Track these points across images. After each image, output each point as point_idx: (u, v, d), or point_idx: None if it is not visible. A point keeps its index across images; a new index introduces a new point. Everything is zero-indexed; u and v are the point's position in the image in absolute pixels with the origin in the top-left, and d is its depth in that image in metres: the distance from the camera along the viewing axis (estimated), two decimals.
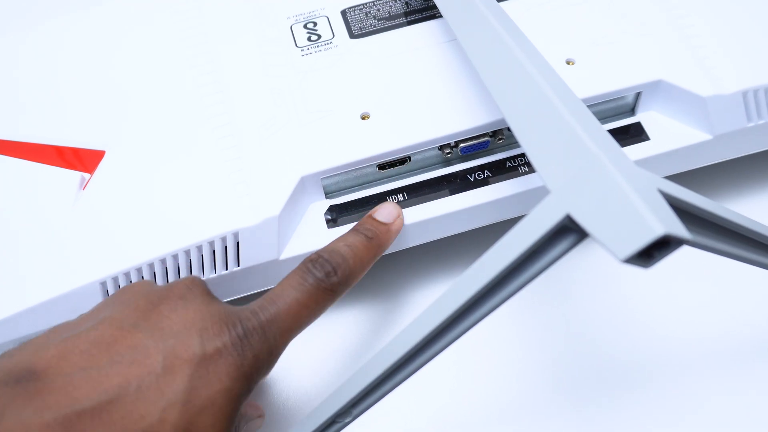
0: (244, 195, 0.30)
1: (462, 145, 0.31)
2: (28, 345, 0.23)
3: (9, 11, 0.39)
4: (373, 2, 0.34)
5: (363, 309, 0.34)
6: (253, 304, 0.25)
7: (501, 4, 0.33)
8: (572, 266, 0.34)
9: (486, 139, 0.31)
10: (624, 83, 0.31)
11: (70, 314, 0.29)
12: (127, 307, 0.24)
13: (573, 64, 0.31)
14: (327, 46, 0.33)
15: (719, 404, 0.30)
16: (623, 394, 0.31)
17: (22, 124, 0.33)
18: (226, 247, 0.29)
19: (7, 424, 0.20)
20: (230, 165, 0.30)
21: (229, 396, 0.23)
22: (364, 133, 0.30)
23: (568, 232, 0.20)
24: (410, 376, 0.24)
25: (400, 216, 0.29)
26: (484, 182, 0.31)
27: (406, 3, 0.34)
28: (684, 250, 0.20)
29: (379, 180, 0.31)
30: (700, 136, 0.31)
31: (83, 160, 0.32)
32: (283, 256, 0.30)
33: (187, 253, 0.29)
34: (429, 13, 0.34)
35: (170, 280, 0.30)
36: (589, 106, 0.31)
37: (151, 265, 0.29)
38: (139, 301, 0.24)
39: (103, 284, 0.29)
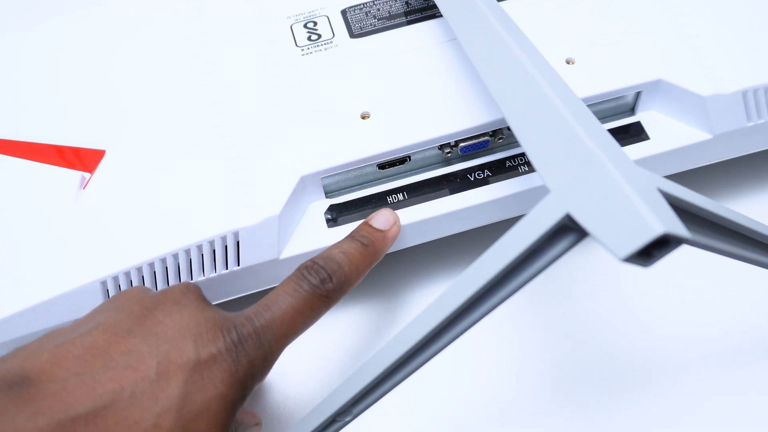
0: (244, 194, 0.30)
1: (462, 144, 0.31)
2: (21, 351, 0.23)
3: (9, 11, 0.40)
4: (373, 2, 0.34)
5: (363, 308, 0.34)
6: (248, 310, 0.25)
7: (501, 3, 0.33)
8: (572, 265, 0.34)
9: (486, 138, 0.31)
10: (624, 83, 0.31)
11: (70, 314, 0.29)
12: (121, 312, 0.24)
13: (573, 63, 0.31)
14: (327, 46, 0.33)
15: (719, 404, 0.30)
16: (623, 393, 0.31)
17: (23, 123, 0.33)
18: (226, 246, 0.29)
19: (1, 429, 0.20)
20: (230, 164, 0.30)
21: (224, 402, 0.22)
22: (364, 133, 0.30)
23: (567, 231, 0.20)
24: (410, 374, 0.24)
25: (396, 223, 0.29)
26: (484, 182, 0.31)
27: (406, 2, 0.34)
28: (684, 250, 0.20)
29: (380, 179, 0.31)
30: (700, 135, 0.31)
31: (83, 159, 0.32)
32: (284, 255, 0.30)
33: (188, 252, 0.29)
34: (429, 12, 0.34)
35: (171, 279, 0.30)
36: (589, 106, 0.31)
37: (151, 265, 0.29)
38: (134, 306, 0.24)
39: (104, 284, 0.29)
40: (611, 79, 0.31)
